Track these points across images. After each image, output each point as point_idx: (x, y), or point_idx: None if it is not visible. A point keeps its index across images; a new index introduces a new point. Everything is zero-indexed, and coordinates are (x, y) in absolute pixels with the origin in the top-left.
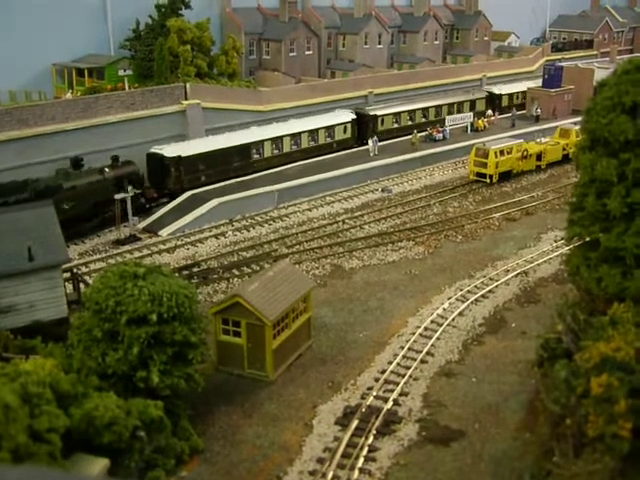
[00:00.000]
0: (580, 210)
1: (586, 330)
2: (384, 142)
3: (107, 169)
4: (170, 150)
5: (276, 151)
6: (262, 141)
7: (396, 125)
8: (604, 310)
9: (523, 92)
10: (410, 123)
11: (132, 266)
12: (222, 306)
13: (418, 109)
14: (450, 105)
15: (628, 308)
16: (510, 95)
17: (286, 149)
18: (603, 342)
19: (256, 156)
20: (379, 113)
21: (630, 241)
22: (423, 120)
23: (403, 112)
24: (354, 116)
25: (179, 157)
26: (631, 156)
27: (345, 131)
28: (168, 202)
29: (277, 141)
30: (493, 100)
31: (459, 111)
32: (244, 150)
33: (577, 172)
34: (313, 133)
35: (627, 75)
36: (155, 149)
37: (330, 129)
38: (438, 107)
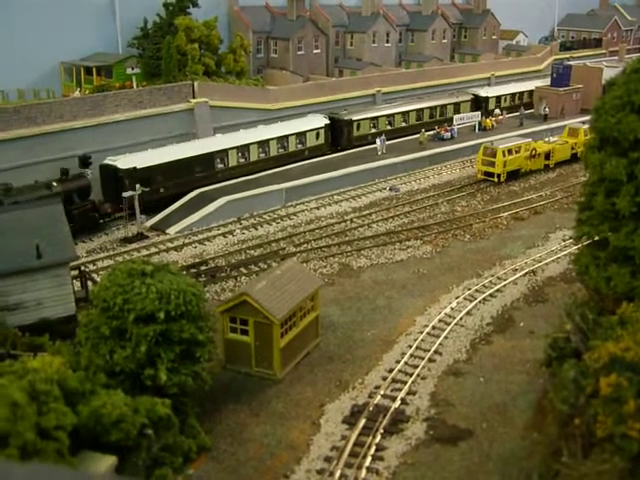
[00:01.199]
0: (589, 209)
1: (595, 330)
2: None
3: (55, 183)
4: (125, 161)
5: (242, 160)
6: (226, 150)
7: (374, 130)
8: (613, 310)
9: (512, 94)
10: (389, 128)
11: (140, 264)
12: (230, 304)
13: (397, 113)
14: (432, 108)
15: (637, 308)
16: (497, 98)
17: (253, 157)
18: (612, 342)
19: (220, 166)
20: (354, 118)
21: (639, 241)
22: (403, 124)
23: (381, 117)
24: (327, 121)
25: (134, 169)
26: None
27: (318, 137)
28: (122, 218)
29: (243, 149)
30: (479, 103)
31: (442, 115)
32: (207, 160)
33: (586, 171)
34: (283, 140)
35: (636, 74)
36: (109, 160)
37: (301, 135)
38: (419, 111)
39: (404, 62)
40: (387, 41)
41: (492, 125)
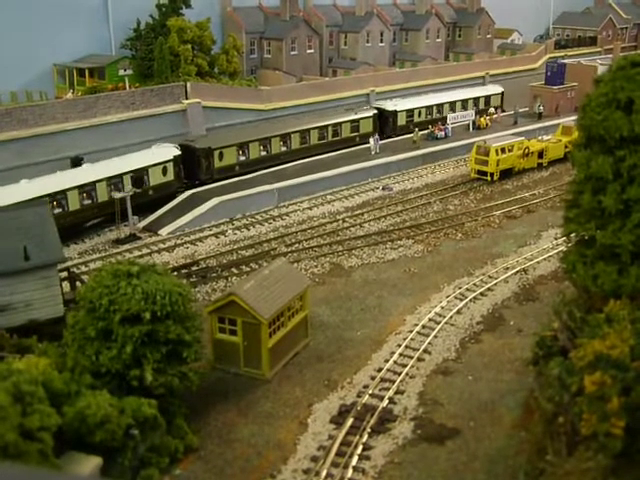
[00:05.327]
0: (576, 207)
1: (582, 328)
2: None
3: None
4: None
5: (59, 210)
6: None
7: (243, 158)
8: (601, 307)
9: (428, 107)
10: (264, 154)
11: (126, 265)
12: (218, 305)
13: (274, 136)
14: (321, 128)
15: (624, 305)
16: (410, 111)
17: (73, 206)
18: (598, 340)
19: None
20: (214, 145)
21: (626, 238)
22: (283, 149)
23: (252, 142)
24: (177, 152)
25: None
26: (626, 153)
27: (165, 173)
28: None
29: (59, 197)
30: (385, 119)
31: (335, 135)
32: None
33: (573, 169)
34: (115, 180)
35: (622, 71)
36: None
37: (141, 173)
38: (304, 132)
39: (398, 62)
40: (381, 41)
41: (486, 124)
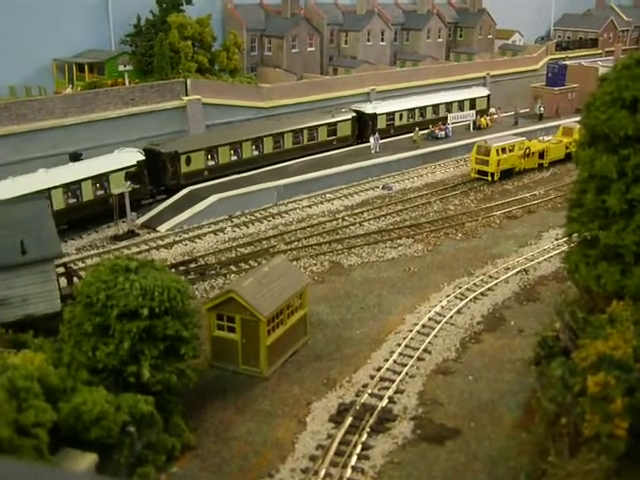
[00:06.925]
0: (579, 207)
1: (584, 328)
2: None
3: None
4: None
5: None
6: None
7: (212, 163)
8: (603, 308)
9: (410, 110)
10: (235, 159)
11: (124, 260)
12: (216, 302)
13: (246, 140)
14: (295, 132)
15: (627, 306)
16: (390, 114)
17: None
18: (601, 340)
19: None
20: (182, 150)
21: (629, 238)
22: (255, 154)
23: (222, 146)
24: (141, 157)
25: None
26: (631, 152)
27: (131, 179)
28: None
29: None
30: (364, 122)
31: (311, 139)
32: None
33: (577, 168)
34: (74, 187)
35: (627, 70)
36: None
37: (101, 179)
38: (277, 136)
39: (399, 61)
40: (382, 40)
41: (487, 124)
